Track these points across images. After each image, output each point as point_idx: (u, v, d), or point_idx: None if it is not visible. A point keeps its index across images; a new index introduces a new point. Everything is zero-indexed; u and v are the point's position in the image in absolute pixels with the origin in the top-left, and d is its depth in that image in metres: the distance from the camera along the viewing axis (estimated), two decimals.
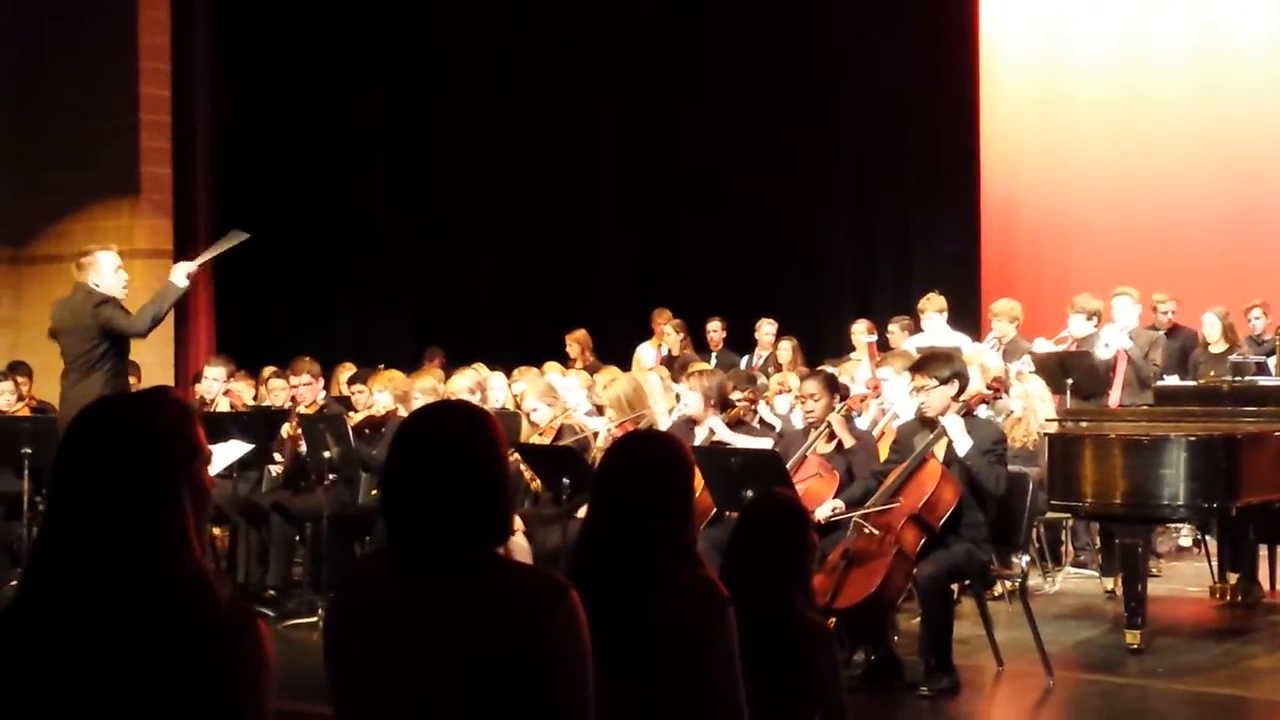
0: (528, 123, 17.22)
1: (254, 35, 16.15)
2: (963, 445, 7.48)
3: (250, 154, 16.21)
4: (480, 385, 10.32)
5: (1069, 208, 15.49)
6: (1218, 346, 11.74)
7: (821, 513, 7.65)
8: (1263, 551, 9.74)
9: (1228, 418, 9.13)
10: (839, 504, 7.74)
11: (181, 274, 9.56)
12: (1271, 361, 11.43)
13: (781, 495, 4.87)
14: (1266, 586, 9.70)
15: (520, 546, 8.62)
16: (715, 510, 8.11)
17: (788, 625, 4.20)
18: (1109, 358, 11.10)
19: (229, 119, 15.84)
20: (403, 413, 9.88)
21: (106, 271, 9.50)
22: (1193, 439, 8.12)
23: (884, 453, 8.28)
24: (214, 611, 2.43)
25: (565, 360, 13.59)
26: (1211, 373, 10.89)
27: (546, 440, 9.19)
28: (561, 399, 9.86)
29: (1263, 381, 10.07)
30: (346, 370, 12.34)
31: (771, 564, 4.25)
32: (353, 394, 10.79)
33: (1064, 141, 15.66)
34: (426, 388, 9.89)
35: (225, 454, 9.47)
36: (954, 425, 7.54)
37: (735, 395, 9.21)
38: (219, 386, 11.09)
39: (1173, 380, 11.10)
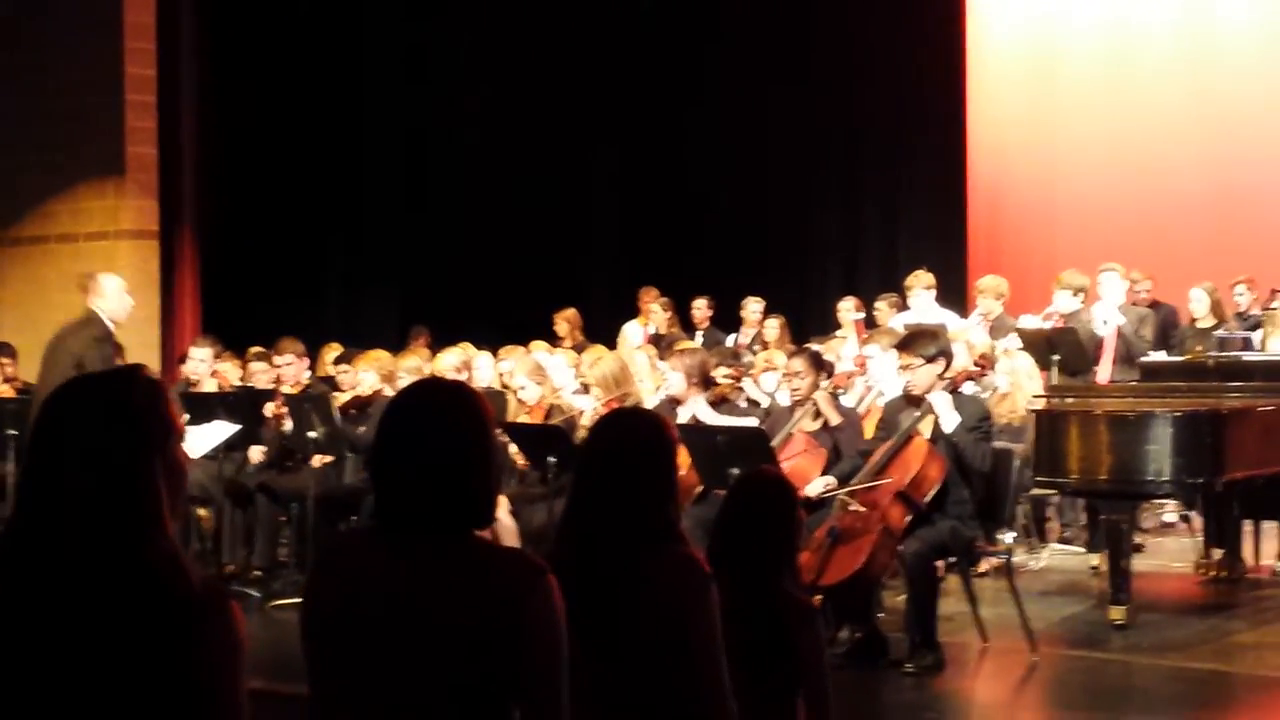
0: (518, 102, 17.18)
1: (240, 14, 16.09)
2: (950, 422, 7.49)
3: (236, 134, 16.16)
4: (467, 364, 10.32)
5: (1055, 185, 15.50)
6: (1205, 321, 11.76)
7: (813, 489, 7.65)
8: (1247, 527, 9.75)
9: (1213, 393, 9.15)
10: (831, 480, 7.74)
11: None
12: (1256, 336, 11.45)
13: (769, 473, 4.87)
14: (1250, 562, 9.71)
15: (506, 526, 8.62)
16: (701, 488, 8.12)
17: (773, 603, 4.19)
18: (1107, 335, 11.10)
19: (215, 98, 15.79)
20: (389, 393, 9.88)
21: (111, 296, 9.52)
22: (1178, 415, 8.14)
23: (869, 430, 8.29)
24: (187, 591, 2.42)
25: (553, 339, 13.59)
26: (1198, 348, 10.90)
27: (535, 419, 9.19)
28: (550, 378, 9.86)
29: (1248, 357, 10.08)
30: (333, 350, 12.32)
31: (758, 542, 4.25)
32: (338, 374, 10.79)
33: (1050, 119, 15.66)
34: (412, 367, 9.88)
35: (211, 434, 9.46)
36: (941, 402, 7.54)
37: (721, 373, 9.23)
38: (205, 367, 11.06)
39: (1159, 356, 11.10)
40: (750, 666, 4.07)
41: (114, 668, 2.38)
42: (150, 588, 2.40)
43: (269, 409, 10.11)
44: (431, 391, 3.07)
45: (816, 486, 7.69)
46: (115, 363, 9.46)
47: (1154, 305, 12.26)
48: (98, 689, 2.39)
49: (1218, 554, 9.49)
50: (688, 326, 14.67)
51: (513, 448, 9.00)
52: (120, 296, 9.67)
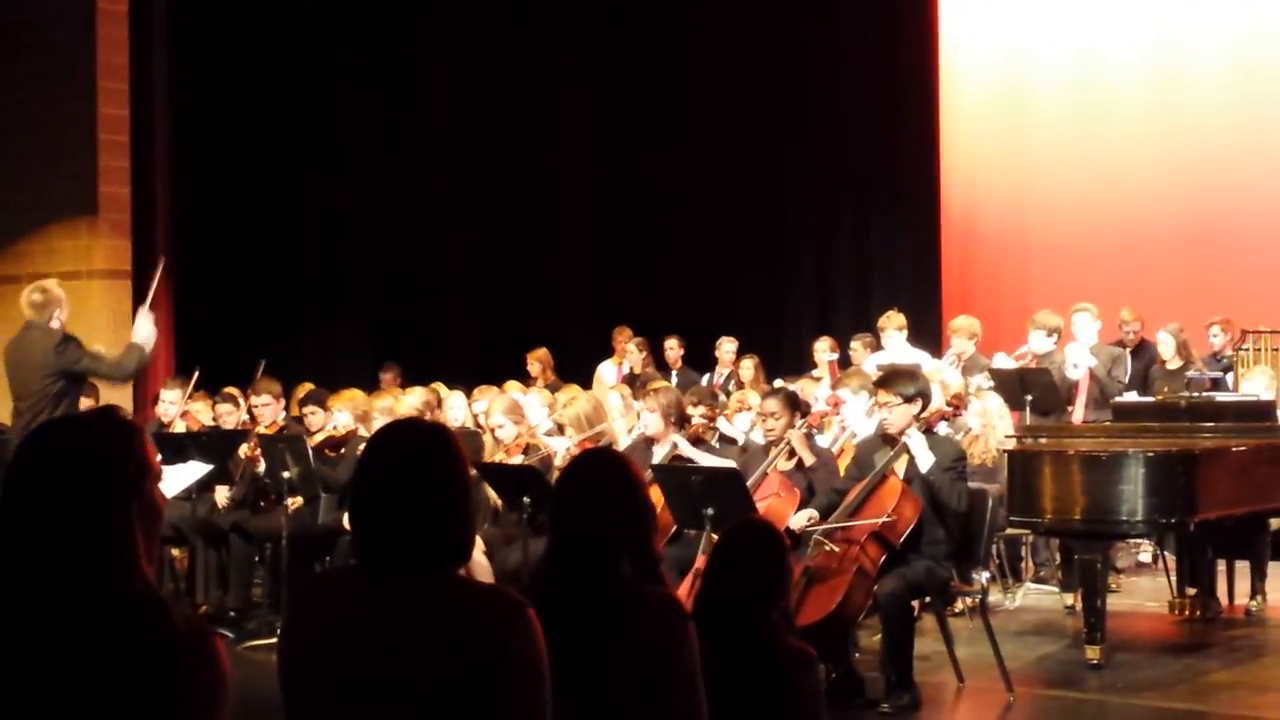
0: (493, 138, 17.22)
1: (213, 54, 16.11)
2: (925, 461, 7.50)
3: (210, 173, 16.16)
4: (430, 405, 10.31)
5: (1028, 224, 15.58)
6: (1173, 363, 11.81)
7: (796, 522, 7.64)
8: (1220, 567, 9.79)
9: (1185, 433, 9.19)
10: (814, 514, 7.73)
11: (148, 323, 9.53)
12: (1229, 377, 11.51)
13: (758, 521, 4.90)
14: (1225, 601, 9.74)
15: (481, 566, 8.61)
16: (675, 528, 8.11)
17: (768, 650, 4.21)
18: (1078, 378, 11.14)
19: (188, 138, 15.79)
20: (364, 432, 9.87)
21: (57, 301, 9.48)
22: (1151, 455, 8.17)
23: (843, 470, 8.30)
24: (168, 630, 2.42)
25: (526, 379, 13.58)
26: (1167, 389, 10.95)
27: (512, 458, 9.18)
28: (526, 417, 9.85)
29: (1220, 397, 10.12)
30: (306, 390, 12.28)
31: (751, 590, 4.27)
32: (305, 414, 10.74)
33: (1023, 158, 15.75)
34: (385, 407, 9.87)
35: (184, 475, 9.42)
36: (917, 442, 7.55)
37: (695, 412, 9.23)
38: (176, 409, 11.03)
39: (1132, 396, 11.14)
40: (745, 712, 4.08)
41: (97, 707, 2.38)
42: (130, 628, 2.41)
43: (244, 450, 10.08)
44: (408, 432, 3.08)
45: (800, 520, 7.67)
46: (102, 366, 9.47)
47: (1141, 345, 12.29)
48: None
49: (1191, 593, 9.51)
50: (661, 366, 14.68)
51: (488, 487, 8.98)
52: (64, 305, 9.66)
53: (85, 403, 11.00)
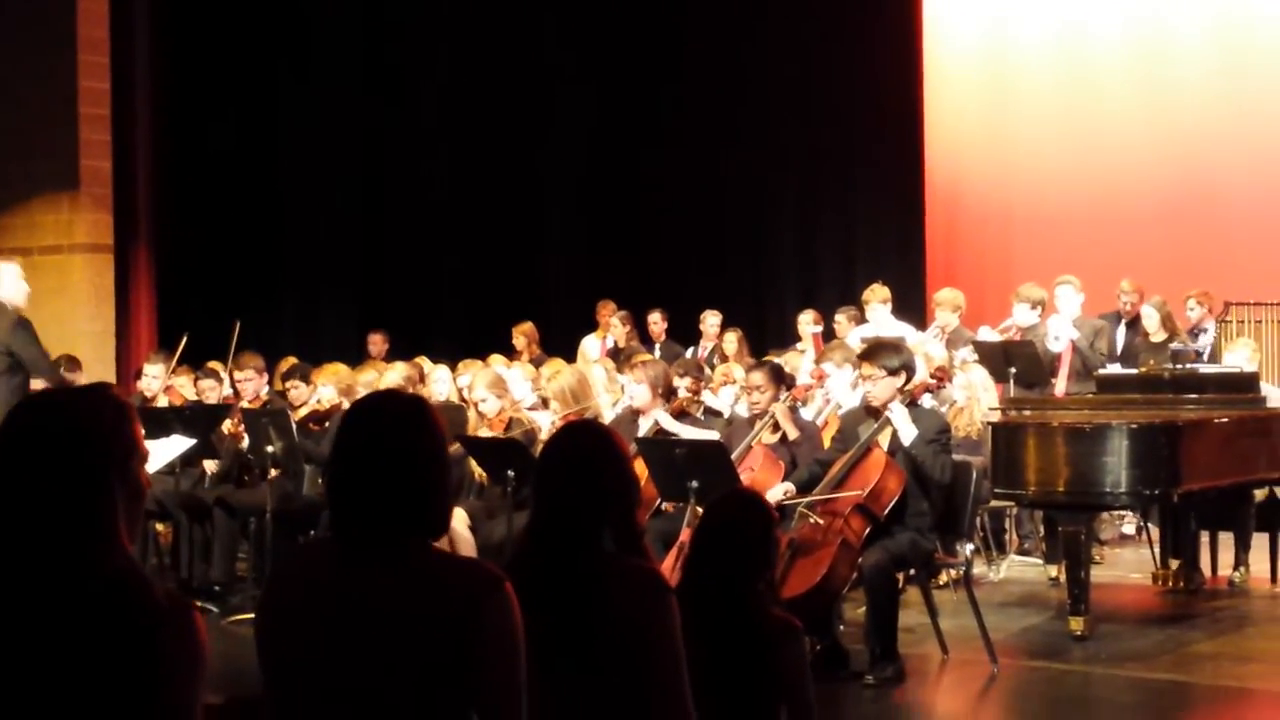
0: (476, 114, 17.17)
1: (194, 27, 16.05)
2: (908, 434, 7.49)
3: (191, 147, 16.11)
4: (412, 380, 10.29)
5: (1012, 197, 15.57)
6: (1157, 336, 11.81)
7: (774, 495, 7.64)
8: (1204, 538, 9.82)
9: (1169, 405, 9.20)
10: (790, 487, 7.73)
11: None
12: (1205, 346, 11.54)
13: (745, 492, 4.89)
14: (1208, 573, 9.77)
15: (464, 539, 8.61)
16: (659, 501, 8.11)
17: (755, 622, 4.21)
18: (1060, 350, 11.15)
19: (169, 111, 15.73)
20: (348, 406, 9.84)
21: (9, 283, 9.49)
22: (1134, 426, 8.18)
23: (827, 442, 8.31)
24: (149, 604, 2.43)
25: (510, 353, 13.56)
26: (1151, 361, 10.96)
27: (495, 432, 9.17)
28: (510, 391, 9.84)
29: (1203, 369, 10.14)
30: (289, 363, 12.26)
31: (737, 562, 4.27)
32: (288, 389, 10.72)
33: (1007, 131, 15.74)
34: (369, 381, 9.85)
35: (167, 449, 9.40)
36: (899, 415, 7.55)
37: (681, 383, 9.22)
38: (159, 384, 11.00)
39: (1116, 368, 11.15)
40: (731, 684, 4.08)
41: (77, 680, 2.39)
42: (110, 602, 2.41)
43: (227, 425, 10.06)
44: (386, 403, 3.06)
45: (776, 493, 7.67)
46: (41, 343, 9.49)
47: (1137, 317, 12.26)
48: (60, 702, 2.39)
49: (1175, 565, 9.54)
50: (645, 340, 14.67)
51: (472, 461, 8.98)
52: (17, 283, 9.64)
53: (69, 377, 11.00)
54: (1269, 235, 14.01)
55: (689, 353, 13.98)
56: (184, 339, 11.51)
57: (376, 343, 14.72)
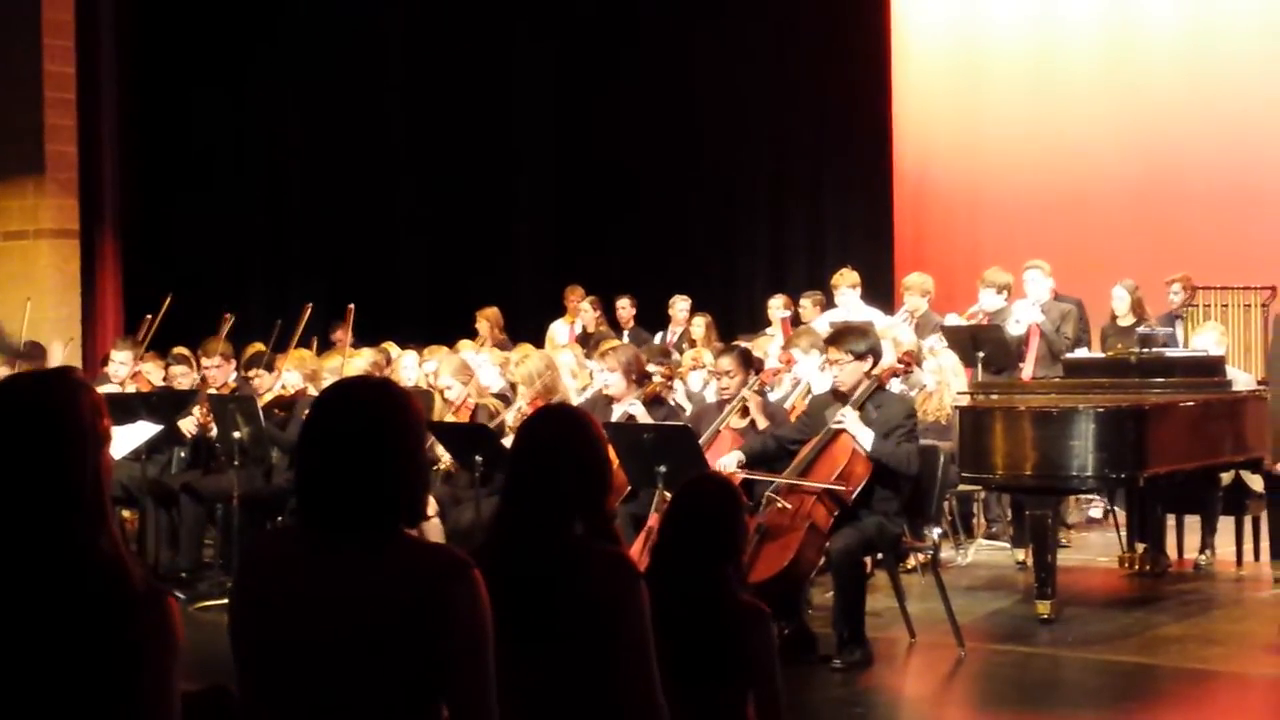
0: (445, 98, 17.10)
1: (161, 10, 15.95)
2: (866, 440, 7.45)
3: (158, 131, 16.01)
4: (379, 365, 10.26)
5: (981, 182, 15.58)
6: (1125, 320, 11.85)
7: (725, 464, 7.61)
8: (1170, 521, 9.86)
9: (1136, 389, 9.23)
10: (740, 456, 7.72)
11: None
12: (1177, 331, 11.58)
13: (715, 476, 4.89)
14: (1174, 556, 9.81)
15: (433, 526, 8.59)
16: (630, 487, 8.11)
17: (723, 606, 4.21)
18: (1021, 334, 11.17)
19: (135, 96, 15.64)
20: (313, 391, 9.81)
21: None
22: (1101, 410, 8.21)
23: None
24: (126, 588, 2.44)
25: (475, 338, 13.53)
26: (1119, 345, 11.00)
27: (461, 419, 9.15)
28: (476, 377, 9.82)
29: (1170, 353, 10.17)
30: (255, 350, 12.19)
31: (706, 546, 4.26)
32: (251, 377, 10.67)
33: (976, 115, 15.74)
34: (335, 367, 9.82)
35: (134, 435, 9.36)
36: (853, 422, 7.50)
37: (653, 369, 9.21)
38: (126, 370, 10.93)
39: (1083, 353, 11.19)
40: (700, 668, 4.08)
41: (56, 664, 2.40)
42: (94, 586, 2.43)
43: (196, 413, 9.99)
44: (357, 389, 3.03)
45: (728, 463, 7.65)
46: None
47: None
48: (37, 685, 2.40)
49: (1141, 548, 9.58)
50: (613, 326, 14.66)
51: (439, 448, 8.96)
52: None
53: (34, 364, 10.94)
54: (1235, 220, 14.06)
55: (657, 338, 13.97)
56: (151, 320, 11.45)
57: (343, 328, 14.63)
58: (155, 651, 2.44)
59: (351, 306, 11.07)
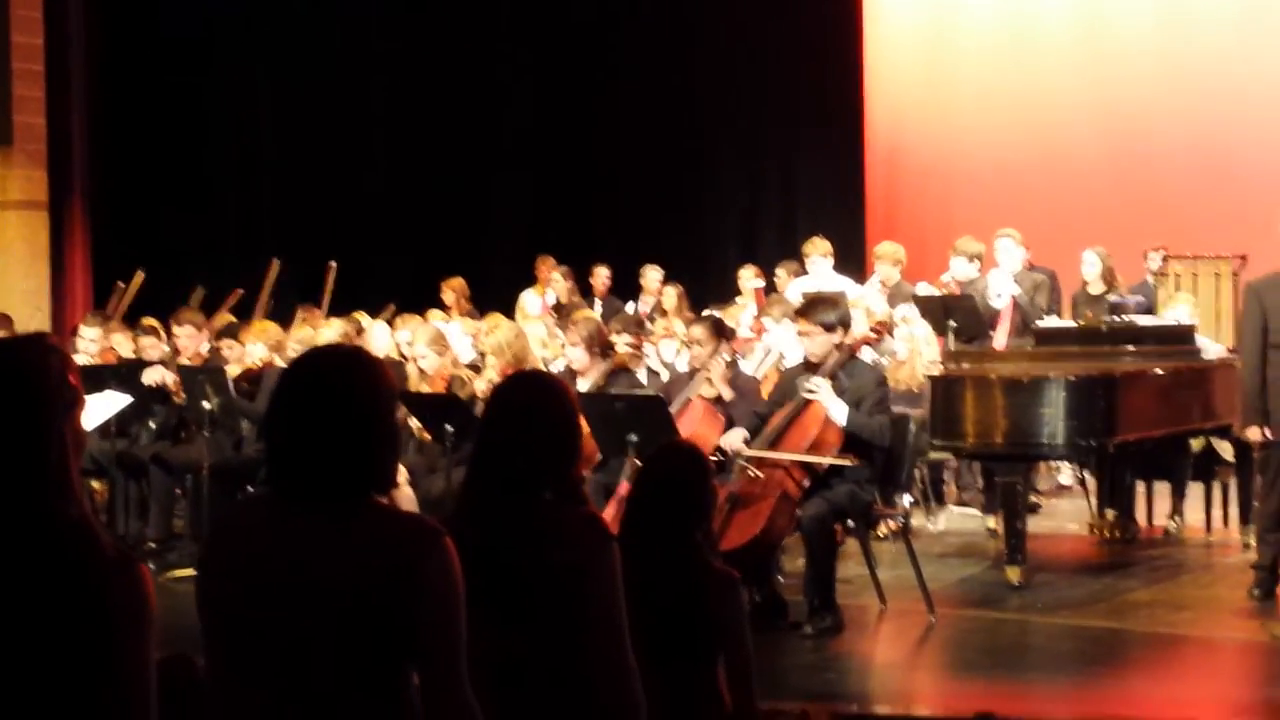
0: (418, 69, 17.03)
1: None
2: (839, 414, 7.46)
3: (127, 103, 15.91)
4: (349, 336, 10.22)
5: (953, 151, 15.59)
6: (1096, 287, 11.86)
7: (729, 442, 7.63)
8: (1140, 488, 9.91)
9: (1106, 357, 9.27)
10: (744, 433, 7.72)
11: None
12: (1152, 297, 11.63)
13: (683, 443, 4.90)
14: (1144, 522, 9.87)
15: (405, 495, 8.58)
16: (600, 455, 8.11)
17: (693, 573, 4.22)
18: (1002, 307, 11.16)
19: (104, 67, 15.53)
20: (279, 364, 9.77)
21: None
22: (1071, 378, 8.24)
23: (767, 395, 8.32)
24: (97, 555, 2.44)
25: (442, 309, 13.49)
26: (1089, 313, 11.03)
27: (436, 389, 9.13)
28: (451, 347, 9.80)
29: (1140, 321, 10.21)
30: (225, 320, 12.14)
31: (676, 513, 4.27)
32: (221, 348, 10.62)
33: (948, 85, 15.75)
34: (303, 338, 9.78)
35: (103, 406, 9.32)
36: (825, 394, 7.51)
37: (623, 340, 9.20)
38: (95, 346, 10.84)
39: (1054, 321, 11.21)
40: (670, 635, 4.09)
41: (26, 630, 2.39)
42: (61, 552, 2.43)
43: (169, 380, 9.87)
44: (327, 358, 3.02)
45: (733, 439, 7.66)
46: None
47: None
48: (10, 654, 2.40)
49: (1111, 515, 9.63)
50: (587, 295, 14.64)
51: (412, 418, 8.94)
52: None
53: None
54: (1206, 188, 14.11)
55: (629, 308, 13.96)
56: (122, 290, 11.39)
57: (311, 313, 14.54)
58: (129, 618, 2.44)
59: (333, 264, 10.98)
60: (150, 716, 2.50)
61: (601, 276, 14.76)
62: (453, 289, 13.98)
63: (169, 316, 11.01)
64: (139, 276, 11.39)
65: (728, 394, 8.26)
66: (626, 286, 14.69)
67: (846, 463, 7.37)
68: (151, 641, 2.48)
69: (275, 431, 2.91)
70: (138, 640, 2.45)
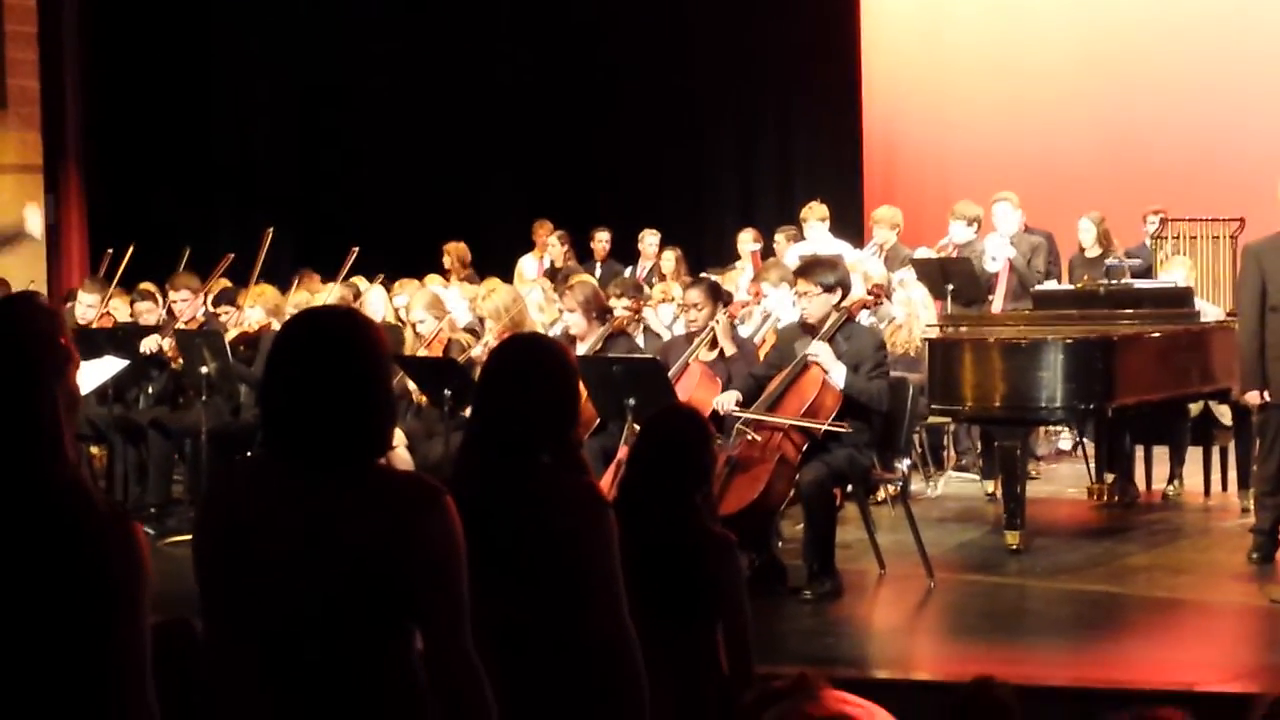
0: (411, 35, 16.95)
1: None
2: (838, 376, 7.42)
3: (122, 66, 15.84)
4: (346, 300, 10.21)
5: (949, 117, 15.55)
6: (1092, 251, 11.86)
7: (722, 404, 7.60)
8: (1139, 452, 9.90)
9: (1104, 321, 9.25)
10: (736, 394, 7.69)
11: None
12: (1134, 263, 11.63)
13: (682, 407, 4.89)
14: (1142, 487, 9.86)
15: (402, 459, 8.58)
16: (599, 419, 8.10)
17: (691, 536, 4.22)
18: (998, 270, 11.15)
19: (99, 30, 15.45)
20: (277, 327, 9.74)
21: None
22: (1069, 342, 8.23)
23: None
24: (90, 513, 2.44)
25: (442, 273, 13.47)
26: (1086, 277, 11.01)
27: (434, 353, 9.12)
28: (448, 312, 9.78)
29: (1138, 284, 10.19)
30: (220, 285, 12.08)
31: (675, 476, 4.26)
32: (219, 313, 10.59)
33: (945, 50, 15.70)
34: (301, 302, 9.77)
35: (100, 370, 9.30)
36: (826, 357, 7.48)
37: (622, 303, 9.17)
38: (94, 313, 10.78)
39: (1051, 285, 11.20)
40: (668, 599, 4.09)
41: (22, 592, 2.38)
42: (56, 511, 2.42)
43: (167, 345, 9.84)
44: (321, 319, 3.01)
45: (726, 400, 7.64)
46: None
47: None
48: (4, 612, 2.38)
49: (1110, 479, 9.62)
50: (587, 259, 14.62)
51: (410, 382, 8.93)
52: None
53: None
54: (1204, 152, 14.09)
55: (626, 272, 13.93)
56: (113, 255, 11.35)
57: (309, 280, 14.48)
58: (124, 577, 2.43)
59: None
60: (145, 675, 2.49)
61: (601, 241, 14.74)
62: (452, 254, 13.96)
63: (164, 281, 10.96)
64: (130, 250, 11.36)
65: (730, 348, 8.22)
66: (626, 251, 14.67)
67: (841, 429, 7.35)
68: (146, 601, 2.48)
69: (270, 392, 2.90)
70: (133, 599, 2.45)
